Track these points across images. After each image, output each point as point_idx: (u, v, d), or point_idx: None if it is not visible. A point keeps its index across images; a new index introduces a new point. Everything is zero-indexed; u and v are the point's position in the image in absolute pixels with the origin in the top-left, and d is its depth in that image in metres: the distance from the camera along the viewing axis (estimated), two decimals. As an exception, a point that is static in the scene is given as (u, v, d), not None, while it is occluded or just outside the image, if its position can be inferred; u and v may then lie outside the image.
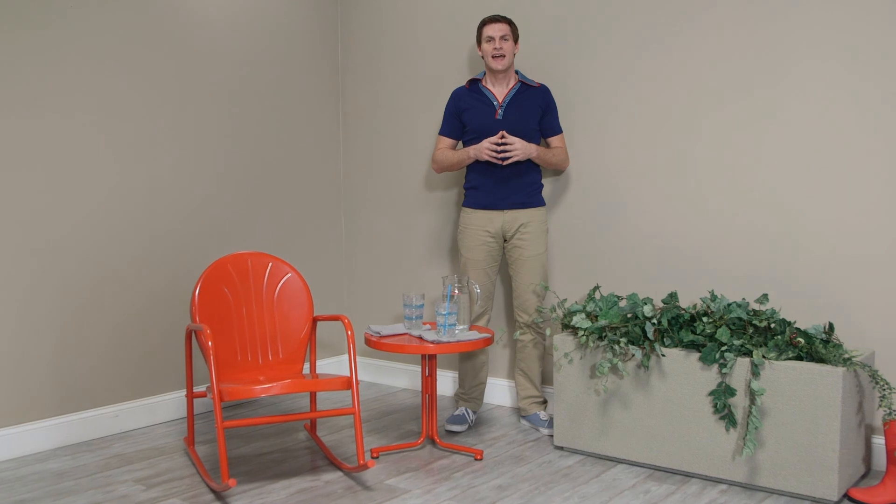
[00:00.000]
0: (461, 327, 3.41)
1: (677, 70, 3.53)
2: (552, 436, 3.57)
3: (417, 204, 4.38)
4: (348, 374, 4.72)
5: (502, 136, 3.53)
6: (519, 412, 3.88)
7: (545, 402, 3.80)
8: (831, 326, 3.07)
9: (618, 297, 3.35)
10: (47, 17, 3.44)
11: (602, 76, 3.74)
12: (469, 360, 3.79)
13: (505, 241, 3.72)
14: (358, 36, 4.59)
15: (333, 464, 3.30)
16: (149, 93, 3.80)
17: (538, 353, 3.75)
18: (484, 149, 3.56)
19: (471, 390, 3.81)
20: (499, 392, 4.12)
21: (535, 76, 3.87)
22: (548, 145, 3.77)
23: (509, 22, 3.63)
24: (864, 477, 3.12)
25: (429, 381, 3.43)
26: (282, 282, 3.45)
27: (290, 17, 4.41)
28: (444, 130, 3.78)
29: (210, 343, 2.95)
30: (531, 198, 3.69)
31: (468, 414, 3.77)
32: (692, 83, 3.50)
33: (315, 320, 3.45)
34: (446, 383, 4.31)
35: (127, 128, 3.73)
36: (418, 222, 4.38)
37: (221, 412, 2.91)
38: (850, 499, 2.91)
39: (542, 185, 3.76)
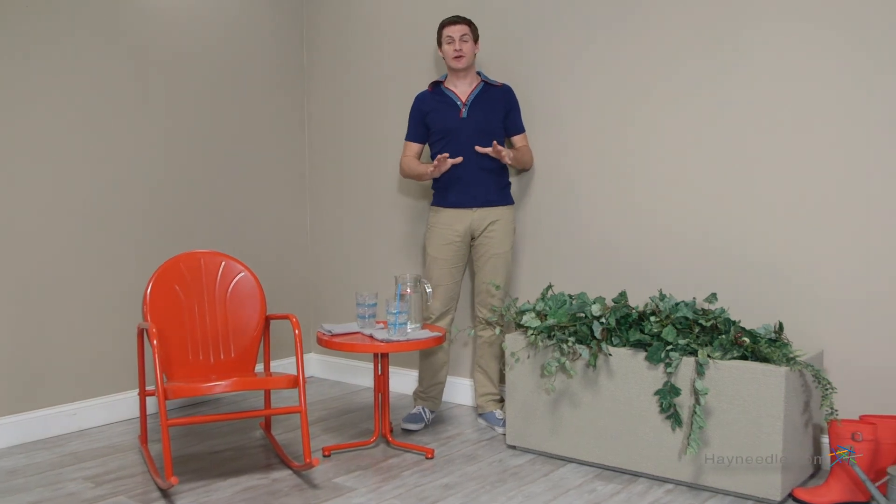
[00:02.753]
0: (413, 326, 3.41)
1: (631, 77, 3.53)
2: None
3: (384, 204, 4.39)
4: (309, 374, 4.77)
5: (446, 157, 3.55)
6: (476, 410, 3.89)
7: (502, 400, 3.80)
8: (780, 326, 3.07)
9: (570, 297, 3.35)
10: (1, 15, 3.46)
11: (557, 77, 3.74)
12: (427, 359, 3.79)
13: (473, 238, 3.72)
14: (323, 36, 4.59)
15: (284, 462, 3.31)
16: (108, 91, 3.80)
17: (496, 350, 3.75)
18: (434, 165, 3.56)
19: (429, 389, 3.82)
20: (461, 391, 4.12)
21: (495, 77, 3.88)
22: (512, 144, 3.78)
23: (469, 22, 3.64)
24: (812, 476, 3.12)
25: (381, 380, 3.43)
26: (234, 281, 3.45)
27: (255, 16, 4.41)
28: (410, 135, 3.79)
29: (155, 342, 2.96)
30: (500, 196, 3.70)
31: (425, 413, 3.77)
32: (645, 89, 3.49)
33: (268, 319, 3.45)
34: (408, 382, 4.31)
35: (85, 126, 3.73)
36: (385, 222, 4.39)
37: (166, 411, 2.92)
38: (795, 499, 2.90)
39: (510, 184, 3.77)
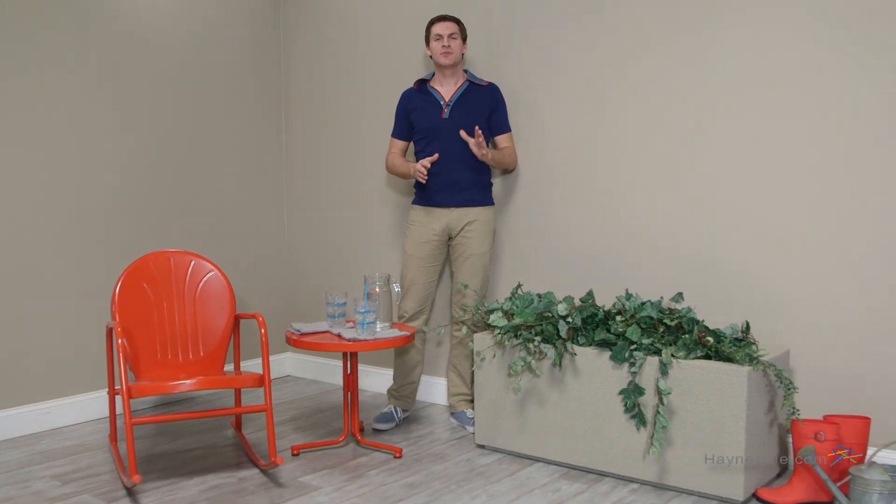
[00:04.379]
0: (382, 325, 3.41)
1: (602, 82, 3.54)
2: (477, 434, 3.58)
3: (364, 204, 4.39)
4: (285, 373, 4.77)
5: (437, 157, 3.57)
6: (449, 409, 3.89)
7: (473, 400, 3.80)
8: (747, 326, 3.07)
9: (538, 296, 3.35)
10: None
11: (531, 80, 3.74)
12: (401, 358, 3.80)
13: (450, 238, 3.72)
14: (301, 32, 4.59)
15: (252, 461, 3.31)
16: (81, 88, 3.81)
17: (469, 350, 3.75)
18: (415, 169, 3.57)
19: (401, 388, 3.82)
20: (436, 390, 4.13)
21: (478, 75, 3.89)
22: (496, 144, 3.76)
23: (457, 21, 3.65)
24: (778, 476, 3.12)
25: (350, 379, 3.43)
26: (203, 280, 3.46)
27: (232, 12, 4.41)
28: (395, 132, 3.80)
29: (120, 340, 2.96)
30: (479, 196, 3.69)
31: (396, 412, 3.77)
32: (616, 95, 3.50)
33: (237, 318, 3.46)
34: (385, 381, 4.31)
35: (58, 123, 3.74)
36: (364, 222, 4.39)
37: (130, 409, 2.92)
38: (758, 499, 2.90)
39: (490, 184, 3.76)
